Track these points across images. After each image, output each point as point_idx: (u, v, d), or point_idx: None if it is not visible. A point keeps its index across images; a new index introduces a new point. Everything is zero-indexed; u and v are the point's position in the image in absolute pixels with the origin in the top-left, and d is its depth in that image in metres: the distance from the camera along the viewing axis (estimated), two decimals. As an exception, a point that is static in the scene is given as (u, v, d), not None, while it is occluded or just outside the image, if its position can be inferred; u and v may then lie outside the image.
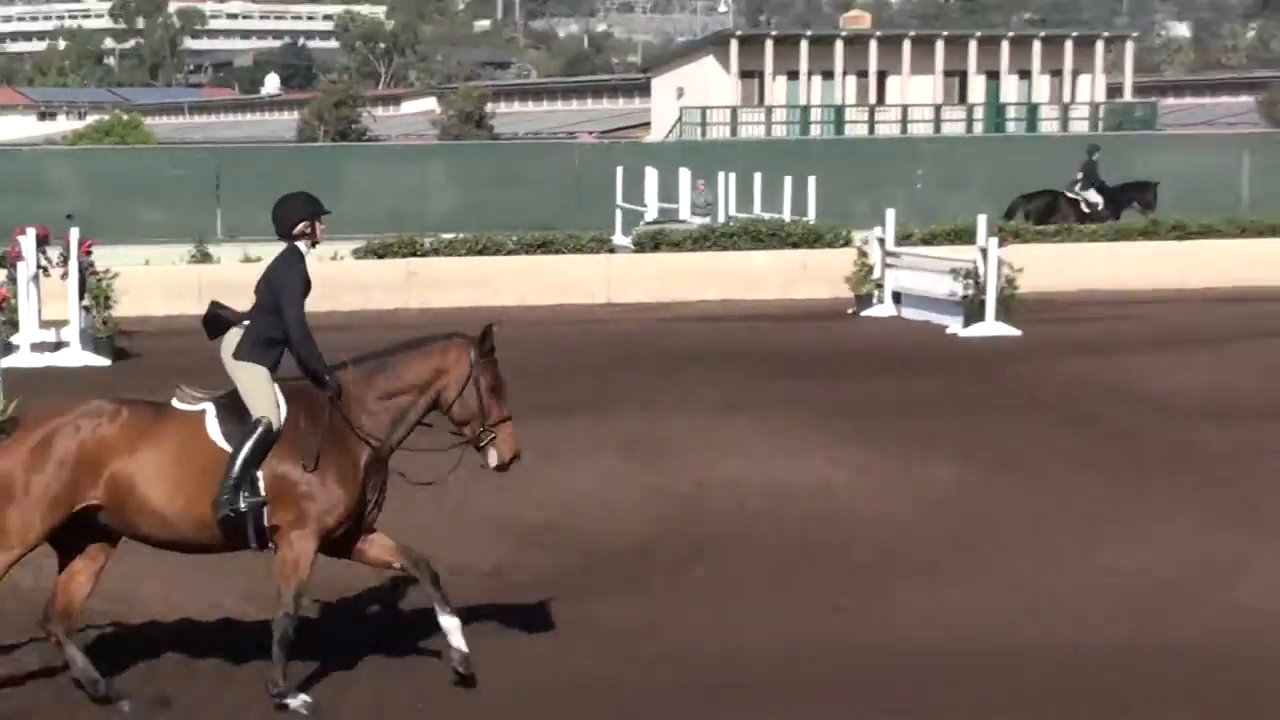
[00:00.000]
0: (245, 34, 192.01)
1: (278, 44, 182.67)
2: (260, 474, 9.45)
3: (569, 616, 11.01)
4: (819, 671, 10.31)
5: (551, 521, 13.95)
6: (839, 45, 79.72)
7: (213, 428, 9.58)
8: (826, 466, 14.76)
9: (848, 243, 30.87)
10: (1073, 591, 12.11)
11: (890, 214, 29.55)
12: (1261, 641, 10.73)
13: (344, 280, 27.69)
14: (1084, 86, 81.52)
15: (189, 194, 42.35)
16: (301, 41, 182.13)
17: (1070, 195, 37.87)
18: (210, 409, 9.65)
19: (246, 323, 9.87)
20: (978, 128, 75.73)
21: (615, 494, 14.53)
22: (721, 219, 36.24)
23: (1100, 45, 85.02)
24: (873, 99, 77.30)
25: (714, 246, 32.21)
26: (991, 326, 25.53)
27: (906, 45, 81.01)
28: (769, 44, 79.58)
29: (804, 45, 79.18)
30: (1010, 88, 79.76)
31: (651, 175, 39.19)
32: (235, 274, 26.18)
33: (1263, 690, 9.85)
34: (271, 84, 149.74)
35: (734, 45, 78.54)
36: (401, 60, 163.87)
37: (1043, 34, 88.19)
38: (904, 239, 30.00)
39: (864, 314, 28.71)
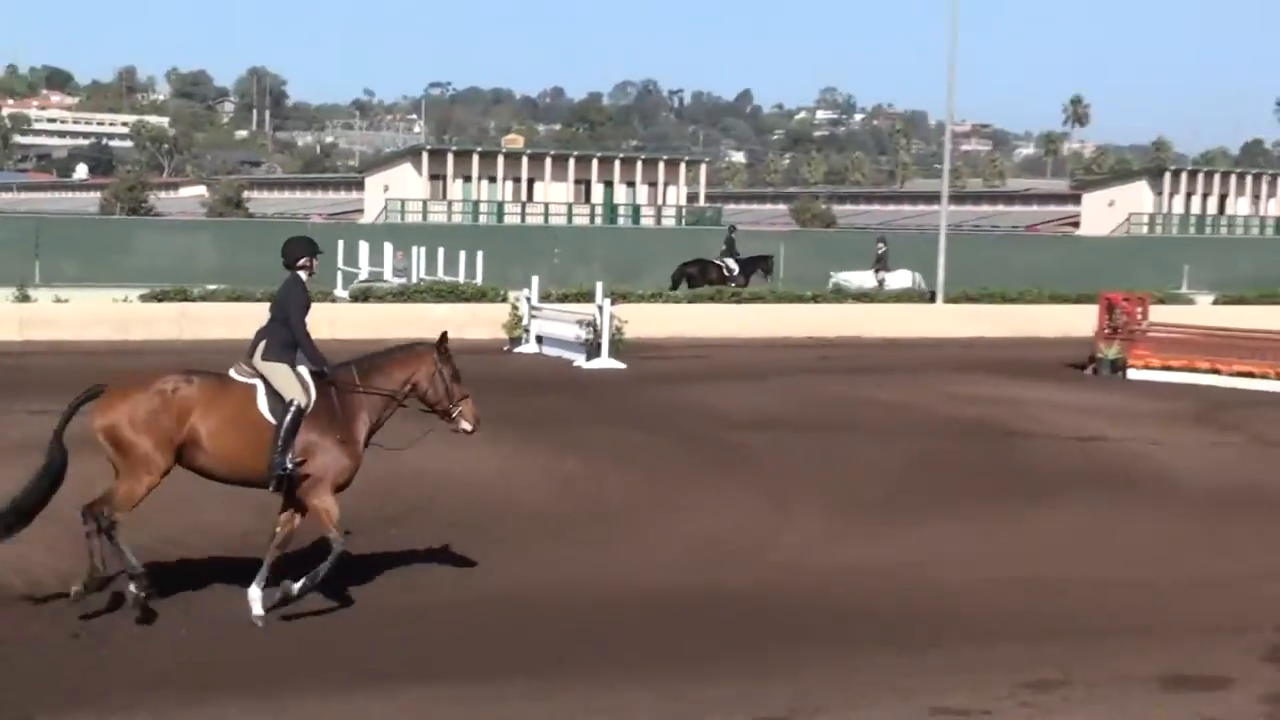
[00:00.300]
0: (62, 133, 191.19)
1: (86, 142, 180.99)
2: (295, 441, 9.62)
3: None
4: (465, 614, 10.33)
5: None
6: (500, 158, 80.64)
7: (261, 401, 9.69)
8: (486, 460, 14.84)
9: (504, 299, 31.25)
10: (660, 550, 12.27)
11: (535, 280, 30.26)
12: (790, 589, 10.96)
13: (133, 317, 27.90)
14: (672, 194, 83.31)
15: (14, 251, 41.58)
16: (105, 140, 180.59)
17: (717, 262, 38.32)
18: (260, 385, 9.76)
19: (265, 331, 9.98)
20: (598, 220, 76.95)
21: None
22: (414, 280, 36.43)
23: (683, 166, 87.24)
24: (524, 197, 78.09)
25: (408, 300, 32.42)
26: (605, 361, 26.06)
27: (548, 160, 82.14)
28: (450, 156, 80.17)
29: (475, 157, 79.89)
30: (621, 193, 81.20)
31: (364, 247, 39.57)
32: (49, 311, 27.59)
33: (792, 624, 10.10)
34: (81, 171, 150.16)
35: (425, 155, 78.99)
36: (180, 157, 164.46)
37: (643, 156, 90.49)
38: (544, 298, 30.52)
39: (515, 351, 29.06)
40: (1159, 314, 28.91)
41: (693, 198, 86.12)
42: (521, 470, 15.45)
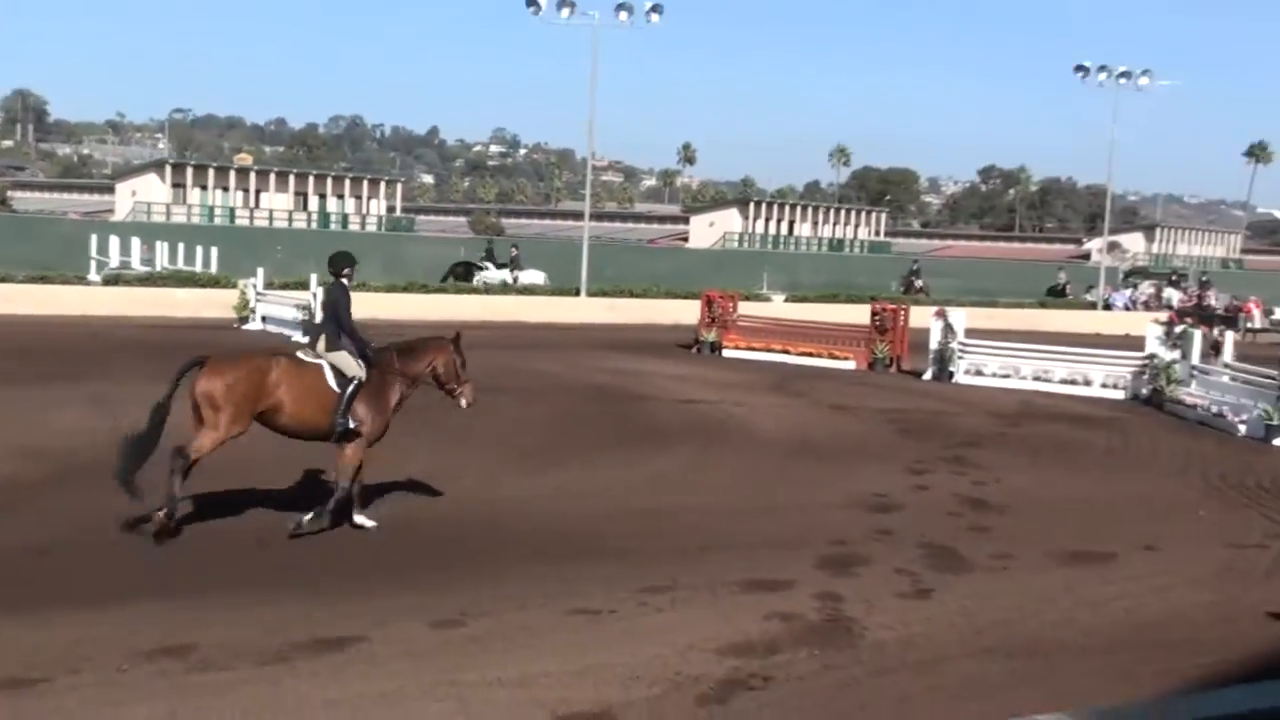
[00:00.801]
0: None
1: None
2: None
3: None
4: (180, 546, 9.93)
5: (42, 444, 12.95)
6: (232, 172, 76.90)
7: (329, 377, 10.03)
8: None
9: (235, 286, 29.99)
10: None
11: (261, 271, 29.31)
12: (466, 519, 10.84)
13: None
14: (374, 206, 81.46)
15: None
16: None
17: (477, 264, 39.18)
18: (326, 365, 10.08)
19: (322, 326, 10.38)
20: (314, 225, 74.52)
21: (92, 427, 13.62)
22: (159, 269, 34.56)
23: (383, 184, 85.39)
24: (252, 205, 74.85)
25: (154, 285, 30.82)
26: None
27: (273, 176, 78.99)
28: (190, 168, 76.00)
29: (211, 171, 75.98)
30: (333, 204, 78.89)
31: (114, 240, 37.05)
32: None
33: (467, 546, 10.02)
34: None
35: (168, 167, 74.71)
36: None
37: (351, 175, 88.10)
38: (269, 286, 29.47)
39: (244, 328, 28.03)
40: (746, 308, 29.96)
41: (390, 209, 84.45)
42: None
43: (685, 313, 31.74)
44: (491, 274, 38.76)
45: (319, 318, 10.49)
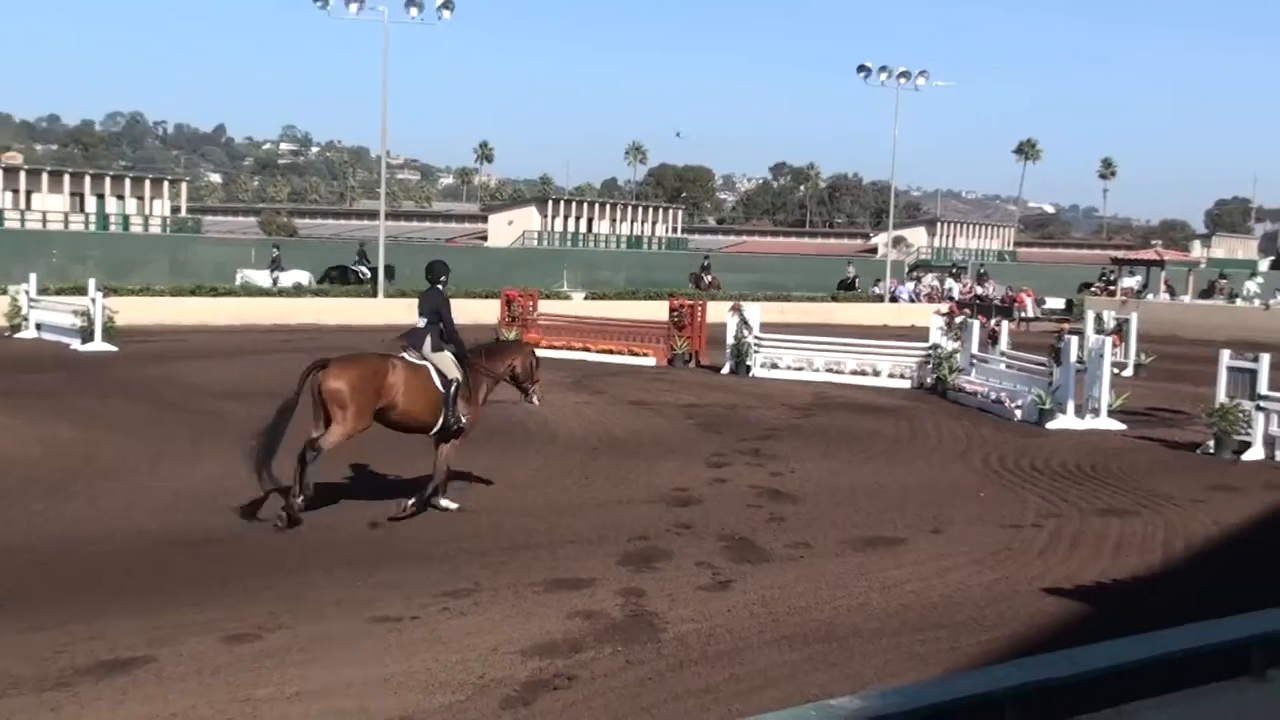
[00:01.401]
0: None
1: None
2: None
3: None
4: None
5: None
6: (1, 171, 72.72)
7: (434, 375, 10.91)
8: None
9: (4, 292, 28.39)
10: (150, 500, 11.40)
11: (33, 276, 27.77)
12: (262, 527, 10.49)
13: None
14: (158, 206, 78.26)
15: None
16: None
17: (352, 268, 39.73)
18: (430, 366, 10.94)
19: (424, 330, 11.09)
20: (92, 227, 71.09)
21: None
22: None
23: (166, 184, 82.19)
24: (23, 206, 70.89)
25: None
26: (99, 345, 24.25)
27: (45, 175, 75.05)
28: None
29: (-22, 169, 71.80)
30: (112, 204, 75.40)
31: None
32: None
33: (263, 557, 9.72)
34: None
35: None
36: None
37: (132, 175, 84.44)
38: (43, 291, 27.95)
39: (16, 336, 26.57)
40: (546, 306, 30.00)
41: (175, 210, 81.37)
42: (19, 438, 14.12)
43: (485, 312, 31.52)
44: (254, 275, 37.62)
45: (420, 323, 11.21)
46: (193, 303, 32.15)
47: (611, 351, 26.14)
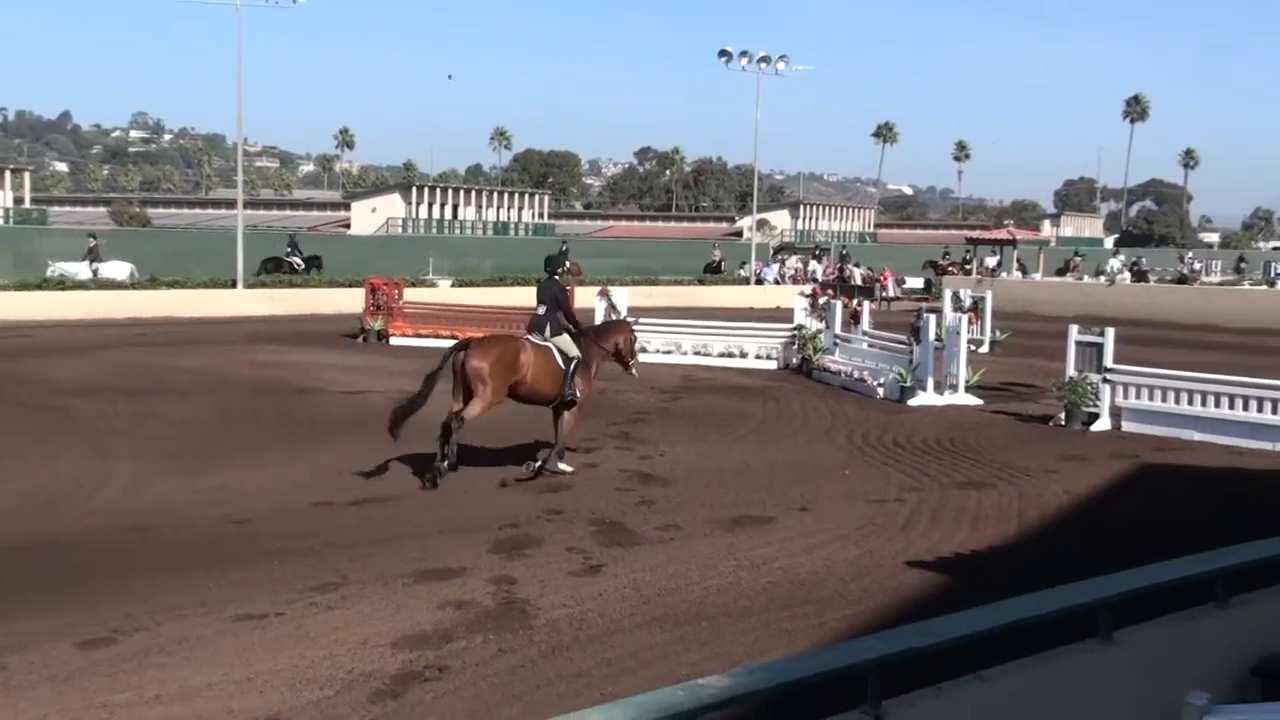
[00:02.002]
0: None
1: None
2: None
3: None
4: None
5: None
6: None
7: (556, 354, 12.29)
8: None
9: None
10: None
11: None
12: (115, 527, 10.18)
13: None
14: (2, 198, 75.27)
15: None
16: None
17: (285, 259, 39.51)
18: (552, 345, 12.31)
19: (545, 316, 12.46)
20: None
21: None
22: None
23: (8, 174, 79.04)
24: None
25: None
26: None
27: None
28: None
29: None
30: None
31: None
32: None
33: (116, 558, 9.43)
34: None
35: None
36: None
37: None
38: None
39: None
40: (411, 294, 29.61)
41: (19, 201, 78.28)
42: None
43: (349, 301, 31.04)
44: (69, 267, 36.12)
45: (541, 310, 12.55)
46: (40, 297, 30.95)
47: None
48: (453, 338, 25.98)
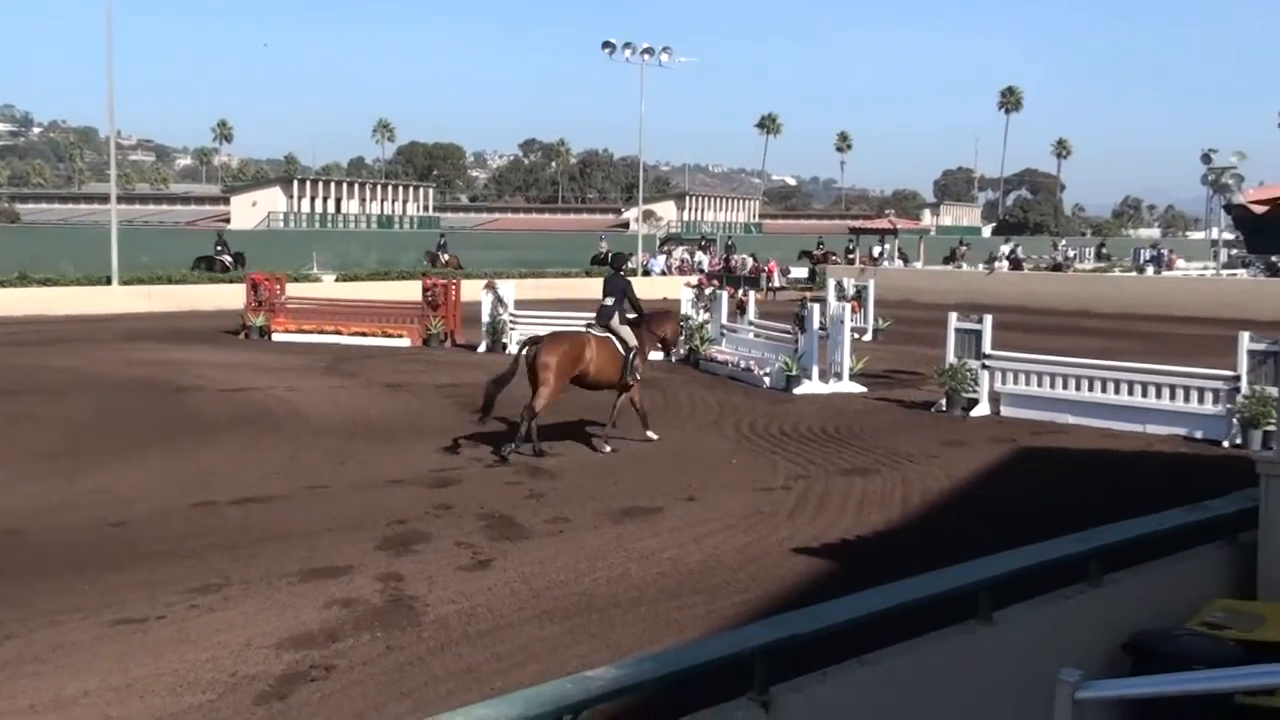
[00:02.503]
0: None
1: None
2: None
3: None
4: None
5: None
6: None
7: (617, 344, 13.83)
8: None
9: None
10: None
11: None
12: None
13: None
14: None
15: None
16: None
17: (216, 257, 40.18)
18: (612, 336, 13.83)
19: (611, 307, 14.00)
20: None
21: None
22: None
23: None
24: None
25: None
26: None
27: None
28: None
29: None
30: None
31: None
32: None
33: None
34: None
35: None
36: None
37: None
38: None
39: None
40: (294, 290, 29.12)
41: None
42: None
43: (230, 298, 30.41)
44: None
45: (609, 301, 14.03)
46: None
47: (365, 334, 25.63)
48: (336, 333, 25.70)
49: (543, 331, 23.86)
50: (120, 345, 23.89)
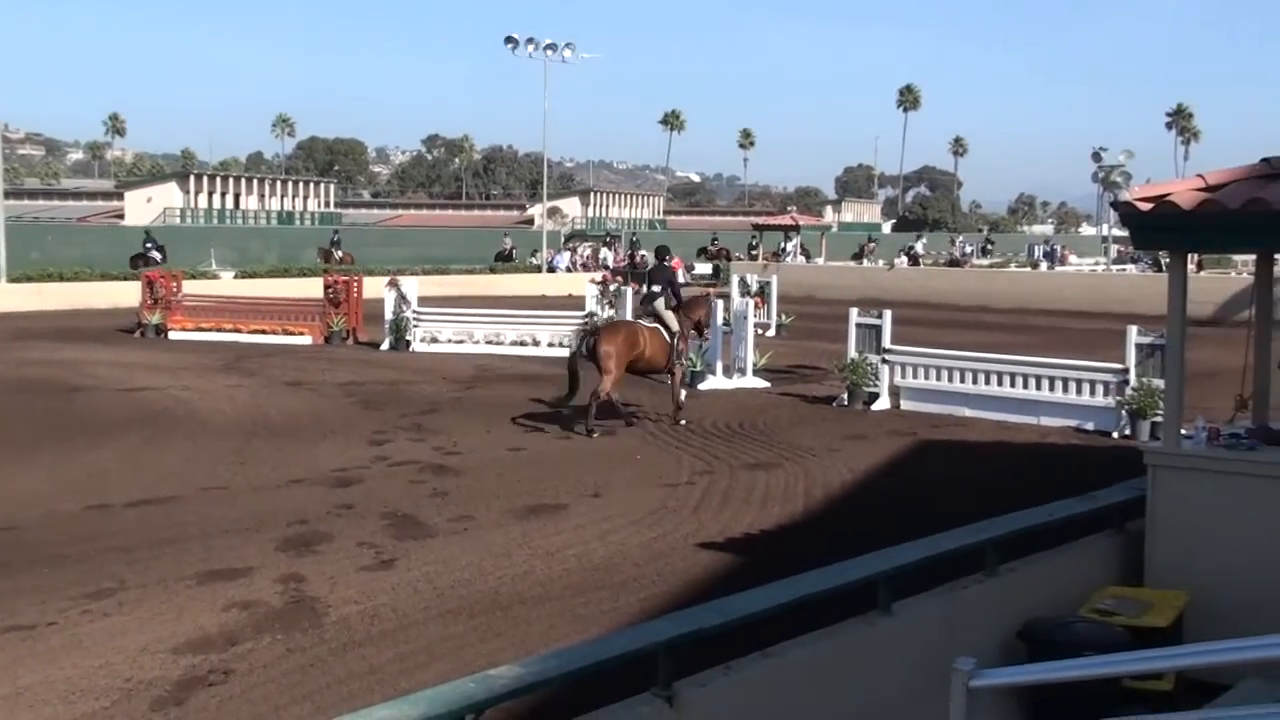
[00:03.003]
0: None
1: None
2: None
3: None
4: None
5: None
6: None
7: (664, 332, 15.13)
8: None
9: None
10: None
11: None
12: None
13: None
14: None
15: None
16: None
17: (147, 254, 39.28)
18: (659, 324, 15.20)
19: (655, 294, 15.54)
20: None
21: None
22: None
23: None
24: None
25: None
26: None
27: None
28: None
29: None
30: None
31: None
32: None
33: None
34: None
35: None
36: None
37: None
38: None
39: None
40: (192, 287, 28.56)
41: None
42: None
43: (125, 295, 29.69)
44: None
45: (656, 289, 15.49)
46: None
47: (265, 331, 25.22)
48: (236, 331, 25.25)
49: (447, 328, 24.12)
50: (9, 345, 23.21)
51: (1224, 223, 6.51)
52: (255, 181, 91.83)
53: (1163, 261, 40.68)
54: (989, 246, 59.33)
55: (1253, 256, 9.13)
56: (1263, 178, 6.66)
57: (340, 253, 44.65)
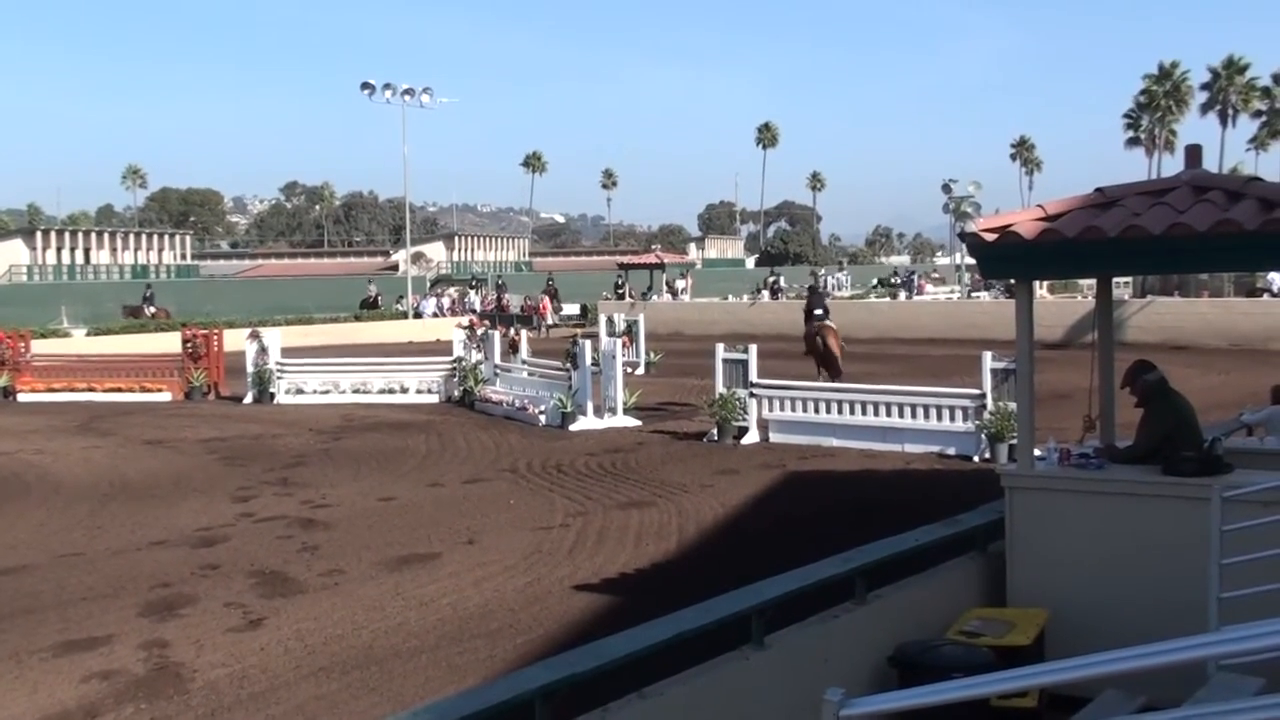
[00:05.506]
0: None
1: None
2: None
3: None
4: None
5: None
6: None
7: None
8: None
9: None
10: None
11: None
12: None
13: None
14: None
15: None
16: None
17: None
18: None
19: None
20: None
21: None
22: None
23: None
24: None
25: None
26: None
27: None
28: None
29: None
30: None
31: None
32: None
33: None
34: None
35: None
36: None
37: None
38: None
39: None
40: (42, 346, 27.61)
41: None
42: None
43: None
44: None
45: (817, 310, 21.19)
46: None
47: (121, 390, 24.43)
48: (90, 390, 24.43)
49: (313, 379, 23.68)
50: None
51: (1063, 250, 6.78)
52: (106, 235, 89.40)
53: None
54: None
55: (1094, 281, 9.51)
56: (1097, 206, 6.95)
57: (153, 308, 42.21)
